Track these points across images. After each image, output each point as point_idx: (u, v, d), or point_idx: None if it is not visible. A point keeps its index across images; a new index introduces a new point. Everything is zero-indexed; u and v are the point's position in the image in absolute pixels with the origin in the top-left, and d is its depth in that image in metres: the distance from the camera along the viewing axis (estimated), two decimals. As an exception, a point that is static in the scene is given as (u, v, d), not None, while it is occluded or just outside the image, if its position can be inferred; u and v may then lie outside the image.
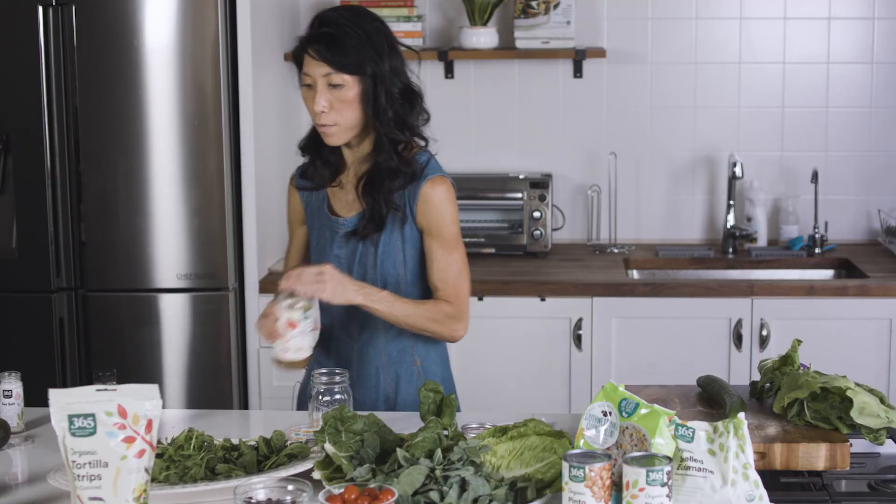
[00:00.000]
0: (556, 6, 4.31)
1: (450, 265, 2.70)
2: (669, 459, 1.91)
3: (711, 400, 2.42)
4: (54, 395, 1.84)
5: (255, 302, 3.97)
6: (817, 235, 4.33)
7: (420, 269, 2.72)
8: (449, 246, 2.71)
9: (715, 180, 4.50)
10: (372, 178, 2.67)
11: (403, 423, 2.39)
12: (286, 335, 2.47)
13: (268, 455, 2.21)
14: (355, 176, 2.71)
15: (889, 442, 2.28)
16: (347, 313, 2.70)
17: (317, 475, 2.10)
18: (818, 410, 2.24)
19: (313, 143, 2.75)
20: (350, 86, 2.59)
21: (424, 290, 2.73)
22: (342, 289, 2.56)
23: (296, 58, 2.67)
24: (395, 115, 2.63)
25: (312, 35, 2.62)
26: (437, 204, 2.68)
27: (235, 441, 2.26)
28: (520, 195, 4.28)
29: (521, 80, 4.50)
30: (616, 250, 4.41)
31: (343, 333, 2.76)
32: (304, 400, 2.83)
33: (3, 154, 3.94)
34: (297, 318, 2.48)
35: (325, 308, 2.64)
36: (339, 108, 2.60)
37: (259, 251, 4.02)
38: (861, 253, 4.33)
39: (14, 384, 2.51)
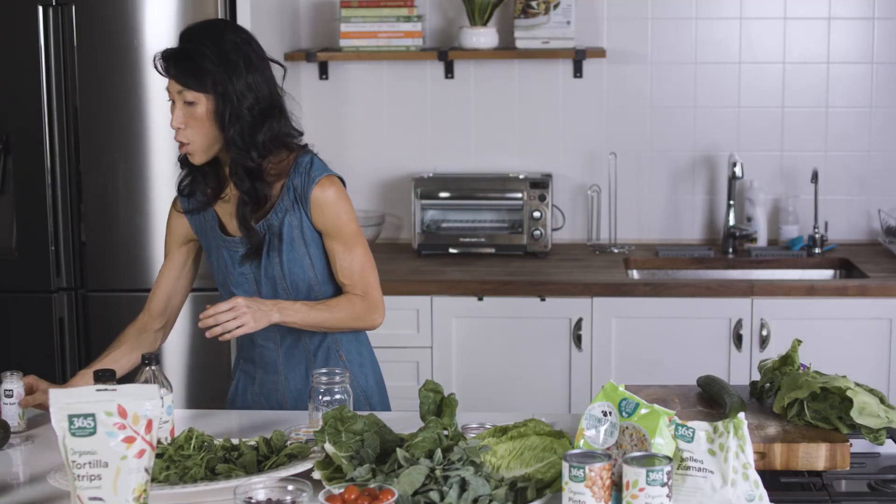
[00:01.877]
0: (556, 6, 4.31)
1: (353, 261, 2.70)
2: (669, 459, 1.91)
3: (711, 400, 2.42)
4: (54, 395, 1.84)
5: (255, 302, 3.97)
6: (817, 235, 4.33)
7: (328, 268, 2.73)
8: (349, 243, 2.69)
9: (715, 180, 4.50)
10: (239, 204, 2.66)
11: (403, 423, 2.39)
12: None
13: (268, 455, 2.21)
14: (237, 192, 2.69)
15: (889, 442, 2.28)
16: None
17: (317, 475, 2.10)
18: (818, 410, 2.24)
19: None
20: (201, 103, 2.57)
21: (336, 287, 2.75)
22: (261, 314, 2.57)
23: None
24: (240, 133, 2.58)
25: (167, 51, 2.60)
26: (329, 206, 2.67)
27: (235, 441, 2.26)
28: (520, 195, 4.28)
29: (521, 80, 4.50)
30: (616, 250, 4.41)
31: (266, 340, 2.77)
32: (232, 401, 2.87)
33: (3, 154, 3.94)
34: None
35: None
36: (193, 125, 2.58)
37: (259, 251, 4.01)
38: (861, 253, 4.33)
39: (15, 384, 2.51)
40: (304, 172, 2.66)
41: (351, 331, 2.76)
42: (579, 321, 3.93)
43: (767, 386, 2.42)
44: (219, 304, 2.55)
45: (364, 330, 2.79)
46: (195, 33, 2.62)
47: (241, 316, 2.53)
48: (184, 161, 2.71)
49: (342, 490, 1.88)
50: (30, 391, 2.55)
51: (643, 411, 2.00)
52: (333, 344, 2.77)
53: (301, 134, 2.72)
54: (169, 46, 2.63)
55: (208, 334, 2.55)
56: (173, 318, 2.85)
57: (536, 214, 4.26)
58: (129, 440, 1.82)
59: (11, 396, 2.50)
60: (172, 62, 2.57)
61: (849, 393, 2.21)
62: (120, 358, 2.74)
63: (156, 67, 2.61)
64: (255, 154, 2.60)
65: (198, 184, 2.72)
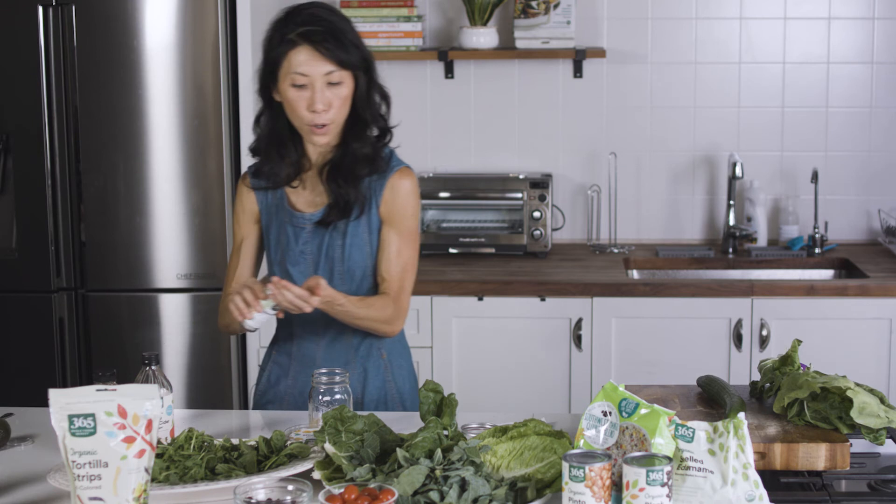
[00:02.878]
0: (556, 6, 4.31)
1: (400, 258, 2.69)
2: (669, 459, 1.91)
3: (711, 400, 2.42)
4: (54, 395, 1.84)
5: (255, 302, 3.97)
6: (817, 235, 4.33)
7: None
8: (403, 239, 2.70)
9: (715, 180, 4.50)
10: (339, 165, 2.66)
11: (403, 423, 2.39)
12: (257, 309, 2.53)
13: (268, 455, 2.21)
14: (317, 172, 2.71)
15: (889, 442, 2.28)
16: (313, 312, 2.66)
17: (317, 475, 2.10)
18: (818, 410, 2.24)
19: (270, 145, 2.70)
20: (347, 83, 2.61)
21: None
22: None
23: (276, 59, 2.60)
24: (377, 110, 2.68)
25: (311, 32, 2.56)
26: (402, 195, 2.69)
27: (235, 441, 2.26)
28: (520, 195, 4.28)
29: (521, 80, 4.50)
30: (616, 250, 4.41)
31: (307, 332, 2.75)
32: (259, 402, 2.85)
33: (3, 154, 3.94)
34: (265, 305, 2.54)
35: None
36: (337, 105, 2.60)
37: (259, 251, 4.01)
38: (861, 253, 4.33)
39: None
40: (385, 160, 2.70)
41: (372, 332, 2.73)
42: (579, 321, 3.93)
43: (767, 386, 2.42)
44: (304, 293, 2.48)
45: (381, 335, 2.75)
46: (325, 15, 2.60)
47: (302, 311, 2.51)
48: (255, 151, 2.74)
49: (342, 490, 1.88)
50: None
51: (643, 411, 2.00)
52: (377, 341, 2.75)
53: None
54: (311, 27, 2.57)
55: (274, 291, 2.48)
56: None
57: (536, 214, 4.26)
58: (129, 440, 1.82)
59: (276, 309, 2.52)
60: (331, 42, 2.56)
61: (849, 393, 2.21)
62: None
63: (292, 48, 2.56)
64: (384, 122, 2.70)
65: (276, 168, 2.71)
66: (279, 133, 2.69)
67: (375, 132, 2.71)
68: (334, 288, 2.66)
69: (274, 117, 2.69)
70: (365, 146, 2.66)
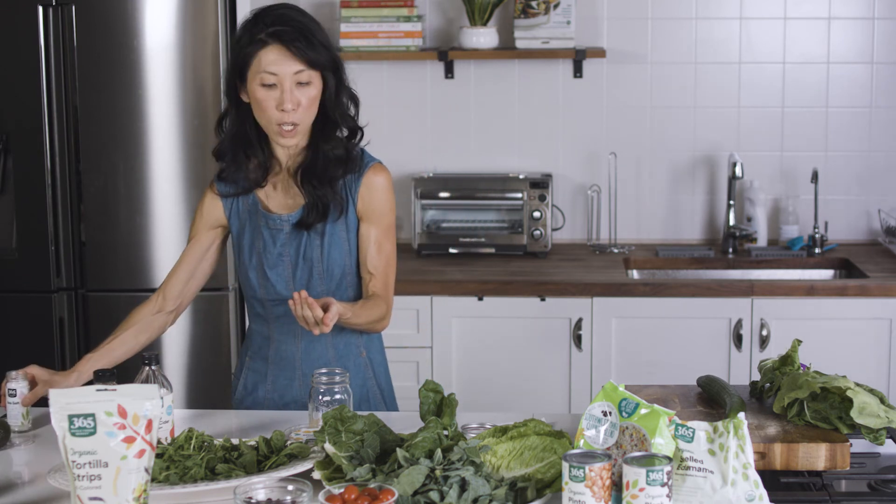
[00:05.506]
0: (556, 6, 4.31)
1: (382, 254, 2.70)
2: (669, 459, 1.91)
3: (711, 400, 2.42)
4: (54, 395, 1.84)
5: (255, 302, 3.97)
6: (817, 235, 4.33)
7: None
8: (385, 234, 2.71)
9: (715, 180, 4.50)
10: (312, 167, 2.65)
11: (403, 423, 2.39)
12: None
13: (268, 455, 2.21)
14: (289, 172, 2.70)
15: (889, 442, 2.28)
16: (288, 314, 2.65)
17: (317, 475, 2.10)
18: (818, 410, 2.24)
19: (237, 146, 2.68)
20: (315, 83, 2.59)
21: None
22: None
23: (246, 59, 2.58)
24: (345, 111, 2.66)
25: (281, 32, 2.55)
26: (379, 190, 2.70)
27: (235, 441, 2.26)
28: (520, 195, 4.28)
29: (521, 80, 4.50)
30: (616, 250, 4.41)
31: (285, 335, 2.74)
32: (241, 400, 2.82)
33: (3, 154, 3.94)
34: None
35: (262, 311, 2.70)
36: (306, 105, 2.58)
37: (259, 251, 4.02)
38: (861, 253, 4.33)
39: (20, 384, 2.49)
40: (357, 159, 2.70)
41: (365, 331, 2.74)
42: (579, 321, 3.93)
43: (767, 386, 2.42)
44: (320, 316, 2.43)
45: (371, 332, 2.76)
46: (294, 15, 2.60)
47: (320, 329, 2.45)
48: (220, 154, 2.70)
49: (342, 490, 1.88)
50: (33, 384, 2.52)
51: (643, 411, 2.00)
52: (356, 339, 2.75)
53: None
54: (282, 27, 2.56)
55: (296, 304, 2.44)
56: (187, 303, 2.79)
57: (536, 214, 4.26)
58: (129, 440, 1.82)
59: (14, 396, 2.49)
60: (301, 42, 2.55)
61: (849, 393, 2.21)
62: (128, 340, 2.68)
63: (262, 47, 2.55)
64: (353, 123, 2.69)
65: (248, 172, 2.70)
66: (246, 134, 2.66)
67: (345, 133, 2.70)
68: (314, 287, 2.68)
69: (241, 119, 2.66)
70: (337, 147, 2.66)
